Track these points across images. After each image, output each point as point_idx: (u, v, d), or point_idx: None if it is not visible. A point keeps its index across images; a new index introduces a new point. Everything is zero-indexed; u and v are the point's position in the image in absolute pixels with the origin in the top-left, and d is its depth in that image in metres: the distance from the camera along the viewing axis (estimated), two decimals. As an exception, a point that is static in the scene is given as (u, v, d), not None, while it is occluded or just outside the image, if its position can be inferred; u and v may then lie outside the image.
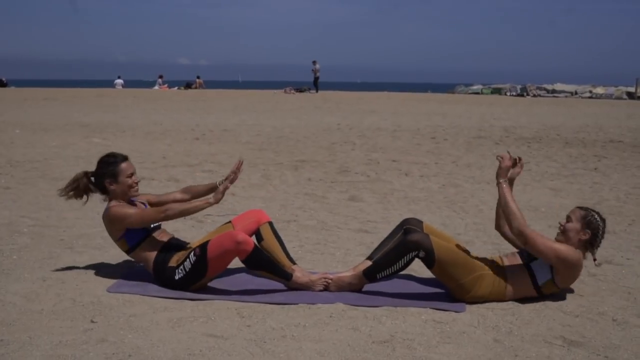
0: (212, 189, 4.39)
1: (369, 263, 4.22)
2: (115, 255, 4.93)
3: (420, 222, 4.43)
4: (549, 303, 4.04)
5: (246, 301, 3.95)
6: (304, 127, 15.79)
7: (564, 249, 3.98)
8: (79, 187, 4.39)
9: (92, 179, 4.39)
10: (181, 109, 21.49)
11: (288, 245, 5.15)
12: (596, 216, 4.09)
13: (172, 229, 5.79)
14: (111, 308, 3.79)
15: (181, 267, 4.10)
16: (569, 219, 4.11)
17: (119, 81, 40.02)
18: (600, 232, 4.09)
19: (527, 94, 39.65)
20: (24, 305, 3.81)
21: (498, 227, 4.53)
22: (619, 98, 36.70)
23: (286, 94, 34.33)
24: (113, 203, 4.29)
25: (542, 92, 40.46)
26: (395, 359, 3.22)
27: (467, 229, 6.08)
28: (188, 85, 38.84)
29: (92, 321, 3.58)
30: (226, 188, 4.20)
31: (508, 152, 4.24)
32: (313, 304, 3.92)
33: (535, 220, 6.47)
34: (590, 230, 4.05)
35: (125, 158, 4.36)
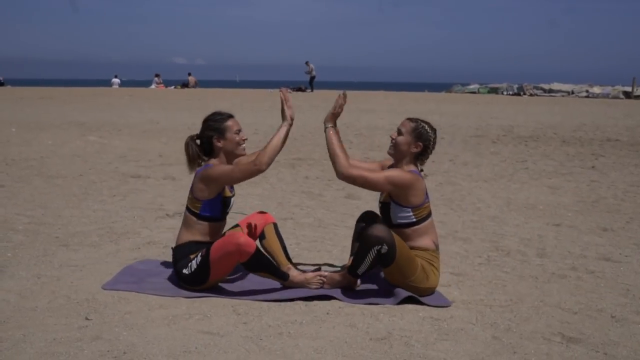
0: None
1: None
2: (111, 252, 4.90)
3: (376, 215, 4.35)
4: (547, 300, 4.02)
5: (242, 298, 3.93)
6: (301, 126, 15.75)
7: (394, 173, 3.91)
8: (191, 155, 4.20)
9: (198, 141, 4.23)
10: (178, 108, 21.45)
11: (285, 243, 5.13)
12: (427, 127, 4.03)
13: (169, 226, 5.77)
14: (106, 305, 3.76)
15: (191, 263, 4.05)
16: (399, 132, 4.02)
17: (116, 80, 39.94)
18: (432, 144, 4.04)
19: (524, 93, 39.66)
20: (18, 302, 3.78)
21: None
22: (616, 97, 36.72)
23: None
24: (214, 161, 4.16)
25: (539, 92, 40.47)
26: (393, 356, 3.19)
27: (464, 227, 6.06)
28: (185, 85, 38.76)
29: (86, 318, 3.55)
30: (289, 109, 4.10)
31: (343, 94, 4.03)
32: (310, 301, 3.89)
33: (533, 218, 6.45)
34: (421, 142, 4.01)
35: (231, 115, 4.25)
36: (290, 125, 4.11)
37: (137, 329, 3.43)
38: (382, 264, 3.92)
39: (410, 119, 4.07)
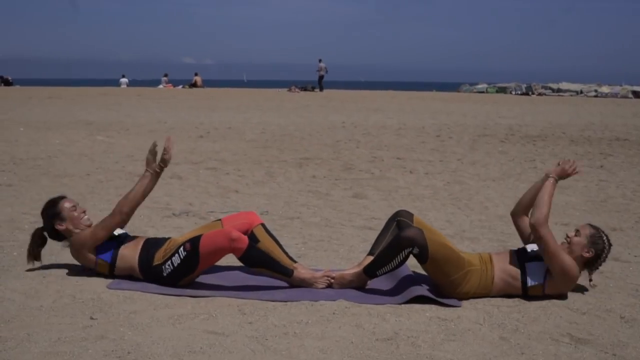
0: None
1: (371, 259, 4.17)
2: (117, 251, 4.88)
3: (411, 214, 4.39)
4: (555, 300, 3.98)
5: (248, 298, 3.90)
6: (309, 125, 15.75)
7: (569, 262, 3.93)
8: (31, 245, 4.33)
9: (45, 233, 4.36)
10: (186, 108, 21.47)
11: (291, 242, 5.12)
12: (604, 238, 4.05)
13: (175, 225, 5.76)
14: (111, 305, 3.74)
15: (168, 262, 4.04)
16: (577, 232, 4.06)
17: (124, 80, 40.02)
18: (604, 256, 4.05)
19: (532, 93, 39.55)
20: (23, 301, 3.76)
21: (514, 213, 4.39)
22: (625, 97, 36.59)
23: (291, 93, 34.30)
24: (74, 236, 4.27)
25: (548, 91, 40.36)
26: (399, 356, 3.16)
27: (472, 226, 6.02)
28: (193, 84, 38.82)
29: (91, 318, 3.53)
30: (162, 166, 4.32)
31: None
32: (315, 301, 3.86)
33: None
34: (594, 250, 4.01)
35: (62, 197, 4.38)
36: (157, 175, 4.30)
37: (142, 328, 3.41)
38: (418, 262, 3.96)
39: (591, 225, 4.11)
